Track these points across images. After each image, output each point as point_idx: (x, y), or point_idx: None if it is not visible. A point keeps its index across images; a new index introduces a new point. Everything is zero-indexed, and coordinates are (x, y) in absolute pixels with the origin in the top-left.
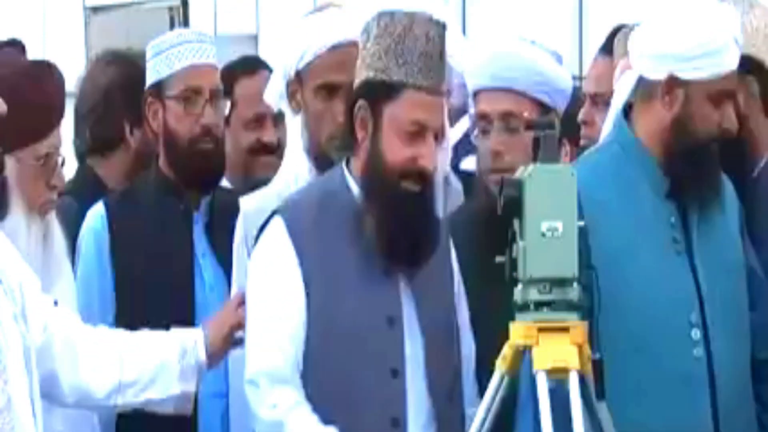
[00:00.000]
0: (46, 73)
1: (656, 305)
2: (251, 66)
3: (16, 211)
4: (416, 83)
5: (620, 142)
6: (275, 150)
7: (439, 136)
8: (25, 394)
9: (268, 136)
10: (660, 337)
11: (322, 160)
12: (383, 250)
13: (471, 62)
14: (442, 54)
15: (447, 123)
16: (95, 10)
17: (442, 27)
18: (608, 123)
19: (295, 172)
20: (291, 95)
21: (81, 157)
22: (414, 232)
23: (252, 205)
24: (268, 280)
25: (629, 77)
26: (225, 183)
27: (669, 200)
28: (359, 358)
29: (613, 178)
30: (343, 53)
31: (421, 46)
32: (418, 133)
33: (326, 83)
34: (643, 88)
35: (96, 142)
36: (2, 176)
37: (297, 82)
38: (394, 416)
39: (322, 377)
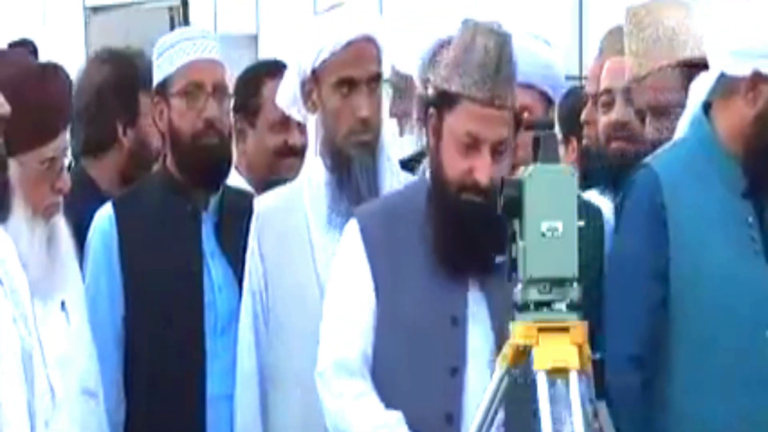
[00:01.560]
0: (52, 75)
1: (731, 304)
2: (276, 68)
3: (19, 214)
4: (471, 95)
5: (699, 138)
6: (300, 152)
7: (499, 148)
8: (19, 399)
9: (294, 138)
10: (734, 336)
11: (338, 159)
12: (441, 258)
13: None
14: (499, 66)
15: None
16: (95, 10)
17: (503, 38)
18: (683, 121)
19: (308, 173)
20: (307, 95)
21: (76, 158)
22: (474, 242)
23: (265, 205)
24: (341, 279)
25: (707, 76)
26: (242, 183)
27: (745, 200)
28: (420, 356)
29: (689, 173)
30: (358, 48)
31: (479, 57)
32: (473, 145)
33: (344, 78)
34: (724, 85)
35: (89, 142)
36: (4, 177)
37: (313, 81)
38: (449, 412)
39: (382, 371)
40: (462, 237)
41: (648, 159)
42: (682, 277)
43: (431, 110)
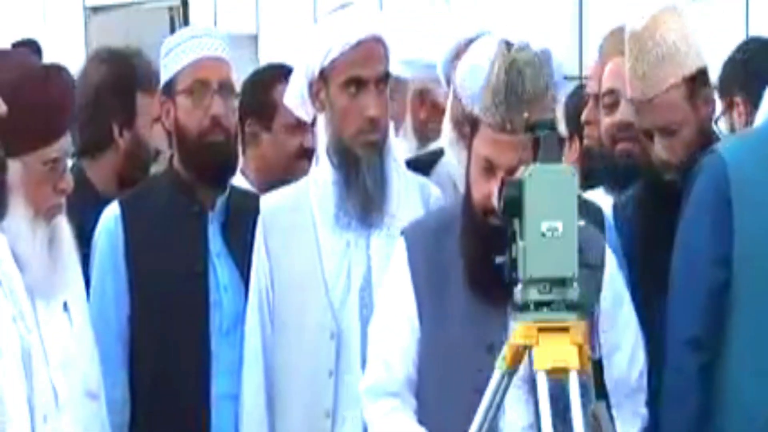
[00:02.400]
0: (56, 76)
1: None
2: (286, 71)
3: (21, 215)
4: (486, 120)
5: None
6: (312, 154)
7: (516, 172)
8: (21, 397)
9: (309, 140)
10: None
11: (345, 158)
12: (472, 281)
13: (483, 56)
14: (510, 90)
15: None
16: (95, 10)
17: (521, 60)
18: (762, 113)
19: (314, 172)
20: (315, 95)
21: (73, 158)
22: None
23: (271, 203)
24: (388, 298)
25: None
26: (248, 187)
27: None
28: (451, 379)
29: (757, 160)
30: (367, 48)
31: (492, 81)
32: (490, 169)
33: (353, 78)
34: None
35: (86, 143)
36: (2, 177)
37: (321, 81)
38: None
39: (417, 391)
40: (482, 260)
41: (716, 145)
42: (745, 262)
43: (466, 129)
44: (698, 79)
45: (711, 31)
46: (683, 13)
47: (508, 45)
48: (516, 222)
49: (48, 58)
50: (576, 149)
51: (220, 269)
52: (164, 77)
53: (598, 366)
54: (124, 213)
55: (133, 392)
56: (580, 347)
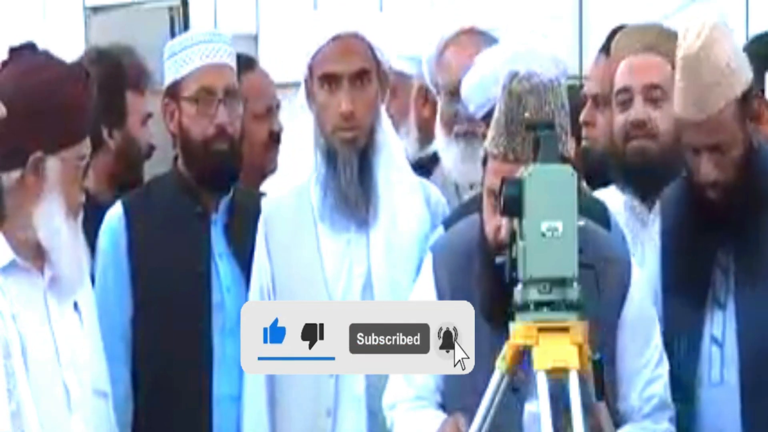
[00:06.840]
0: (84, 74)
1: None
2: (247, 61)
3: (56, 212)
4: (491, 150)
5: None
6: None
7: None
8: (29, 396)
9: (277, 125)
10: None
11: (325, 154)
12: (483, 315)
13: (486, 67)
14: (512, 120)
15: None
16: (95, 10)
17: (524, 90)
18: None
19: (308, 167)
20: (309, 91)
21: None
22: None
23: (273, 202)
24: None
25: None
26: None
27: None
28: (463, 395)
29: None
30: (343, 43)
31: (497, 113)
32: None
33: (326, 73)
34: None
35: None
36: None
37: (310, 78)
38: None
39: None
40: (492, 295)
41: None
42: None
43: (456, 128)
44: (748, 96)
45: None
46: (728, 24)
47: (514, 76)
48: (516, 222)
49: None
50: (574, 150)
51: (223, 270)
52: (168, 79)
53: (598, 366)
54: (128, 213)
55: (135, 391)
56: (580, 347)
